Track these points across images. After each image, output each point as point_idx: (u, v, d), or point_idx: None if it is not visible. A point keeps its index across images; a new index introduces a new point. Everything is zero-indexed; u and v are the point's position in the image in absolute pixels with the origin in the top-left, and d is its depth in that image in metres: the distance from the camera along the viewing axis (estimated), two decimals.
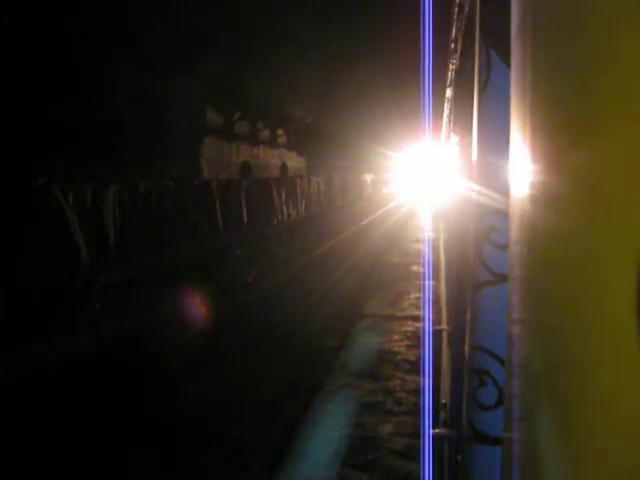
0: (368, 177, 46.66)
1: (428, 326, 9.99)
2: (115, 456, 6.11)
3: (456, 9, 3.34)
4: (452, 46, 4.02)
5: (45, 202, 9.82)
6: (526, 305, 0.92)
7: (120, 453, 6.16)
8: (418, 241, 22.94)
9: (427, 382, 6.92)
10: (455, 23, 3.54)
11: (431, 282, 13.91)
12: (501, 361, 1.54)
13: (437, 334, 3.98)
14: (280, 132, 31.36)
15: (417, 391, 7.17)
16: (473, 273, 1.83)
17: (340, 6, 19.80)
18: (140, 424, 6.82)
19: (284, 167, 31.66)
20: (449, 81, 5.51)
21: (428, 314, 11.01)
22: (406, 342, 9.61)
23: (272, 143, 30.25)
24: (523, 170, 0.98)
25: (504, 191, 1.30)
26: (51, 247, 9.88)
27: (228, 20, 16.28)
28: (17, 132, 10.65)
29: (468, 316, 1.99)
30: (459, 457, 2.22)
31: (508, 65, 1.12)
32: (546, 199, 0.79)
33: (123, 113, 14.20)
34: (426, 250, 20.02)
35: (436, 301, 11.26)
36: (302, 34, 19.56)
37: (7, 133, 10.35)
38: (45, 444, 6.30)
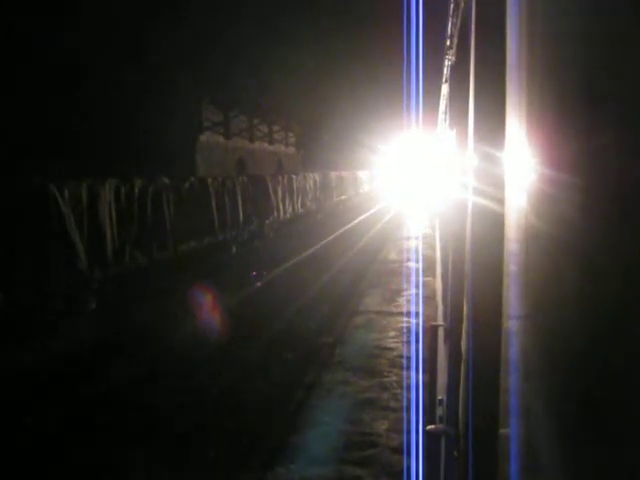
0: (364, 173, 46.67)
1: (413, 323, 10.03)
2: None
3: (452, 5, 3.34)
4: (448, 42, 4.02)
5: (41, 200, 9.79)
6: (521, 301, 0.92)
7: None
8: (414, 237, 22.96)
9: (416, 378, 6.93)
10: (451, 19, 3.53)
11: (423, 279, 13.93)
12: (498, 356, 1.54)
13: (433, 330, 3.98)
14: (276, 128, 31.35)
15: (414, 387, 7.18)
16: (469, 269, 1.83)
17: (338, 5, 19.87)
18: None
19: (280, 163, 31.64)
20: (445, 77, 5.51)
21: (414, 310, 11.04)
22: (402, 338, 9.61)
23: (269, 139, 30.23)
24: (519, 166, 0.99)
25: (500, 187, 1.30)
26: (47, 245, 9.86)
27: (227, 20, 16.28)
28: (15, 132, 10.62)
29: (464, 312, 1.99)
30: (456, 453, 2.22)
31: (504, 60, 1.12)
32: (542, 195, 0.79)
33: (119, 111, 14.17)
34: (421, 246, 20.05)
35: (432, 297, 11.27)
36: (298, 32, 19.57)
37: (5, 133, 10.32)
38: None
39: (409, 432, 5.95)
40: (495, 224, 1.25)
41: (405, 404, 6.89)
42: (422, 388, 6.25)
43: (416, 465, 4.97)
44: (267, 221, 22.01)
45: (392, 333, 9.96)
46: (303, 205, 27.96)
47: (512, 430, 0.93)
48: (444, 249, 6.84)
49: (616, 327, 0.53)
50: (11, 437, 6.46)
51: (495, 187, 1.45)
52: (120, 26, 12.75)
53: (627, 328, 0.51)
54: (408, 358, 8.52)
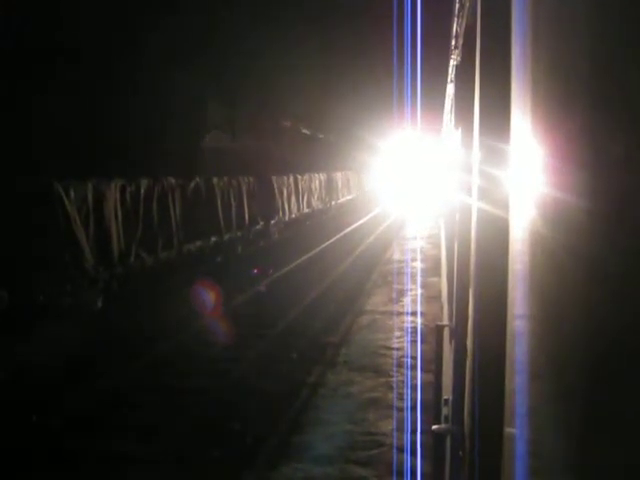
0: (369, 174, 46.62)
1: (419, 323, 10.04)
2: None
3: (457, 5, 3.34)
4: (453, 42, 4.01)
5: (47, 200, 9.82)
6: (527, 301, 0.92)
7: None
8: (419, 237, 22.93)
9: (421, 378, 6.92)
10: (456, 19, 3.53)
11: (428, 279, 13.91)
12: (503, 356, 1.55)
13: (439, 330, 3.98)
14: (282, 127, 31.33)
15: (419, 387, 7.17)
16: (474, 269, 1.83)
17: (338, 7, 19.93)
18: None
19: (286, 163, 31.63)
20: (450, 78, 5.50)
21: (419, 310, 11.03)
22: (408, 338, 9.60)
23: (275, 139, 30.22)
24: (524, 166, 0.98)
25: (505, 187, 1.30)
26: (53, 244, 9.89)
27: (230, 19, 16.29)
28: (16, 132, 10.65)
29: (470, 312, 1.99)
30: (461, 453, 2.22)
31: (510, 60, 1.12)
32: (547, 196, 0.79)
33: (124, 111, 14.19)
34: (426, 246, 20.03)
35: (438, 297, 11.25)
36: (301, 32, 19.59)
37: (9, 133, 10.35)
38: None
39: (414, 432, 5.95)
40: (500, 224, 1.25)
41: (410, 404, 6.88)
42: (427, 388, 6.24)
43: (421, 464, 4.96)
44: (272, 221, 22.00)
45: (398, 333, 9.95)
46: (309, 205, 27.96)
47: (518, 430, 0.93)
48: (449, 249, 6.83)
49: (620, 329, 0.53)
50: (8, 436, 6.49)
51: (500, 187, 1.45)
52: (120, 26, 12.77)
53: (631, 330, 0.51)
54: (413, 358, 8.51)
